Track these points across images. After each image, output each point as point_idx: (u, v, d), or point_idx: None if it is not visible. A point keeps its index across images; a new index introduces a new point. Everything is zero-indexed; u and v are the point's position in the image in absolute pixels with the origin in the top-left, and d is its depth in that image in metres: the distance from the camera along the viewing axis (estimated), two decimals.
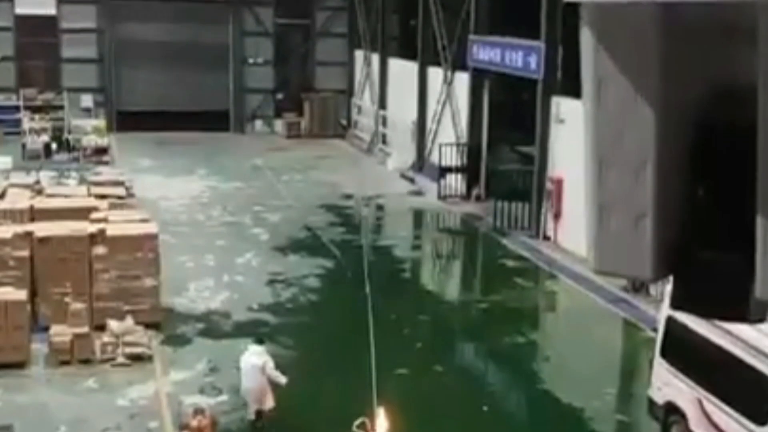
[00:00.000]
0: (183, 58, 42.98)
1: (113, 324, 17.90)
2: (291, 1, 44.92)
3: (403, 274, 25.68)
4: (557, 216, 26.24)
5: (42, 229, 19.35)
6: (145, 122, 41.75)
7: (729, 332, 13.34)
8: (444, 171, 32.08)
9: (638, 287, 21.29)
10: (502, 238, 27.39)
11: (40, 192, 25.28)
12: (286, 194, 31.92)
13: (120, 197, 25.73)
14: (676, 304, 2.38)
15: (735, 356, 13.32)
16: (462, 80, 32.49)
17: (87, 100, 42.46)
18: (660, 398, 15.01)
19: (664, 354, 14.95)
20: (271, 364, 15.10)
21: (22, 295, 17.85)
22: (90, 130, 38.69)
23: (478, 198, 31.51)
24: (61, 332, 17.53)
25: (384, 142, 40.30)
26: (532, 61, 27.23)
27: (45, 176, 29.53)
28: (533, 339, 20.77)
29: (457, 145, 32.27)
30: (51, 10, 42.02)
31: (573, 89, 22.77)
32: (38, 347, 17.71)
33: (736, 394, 13.55)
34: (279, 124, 44.56)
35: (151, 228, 20.23)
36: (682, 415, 14.42)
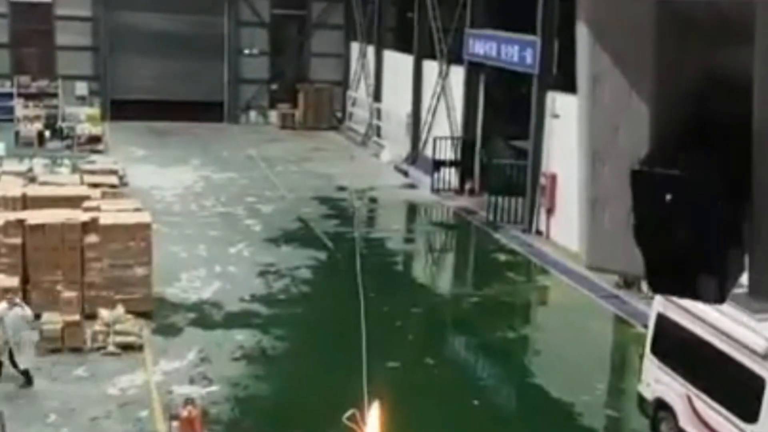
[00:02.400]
0: (178, 48, 42.87)
1: (104, 313, 17.88)
2: None
3: (396, 266, 25.69)
4: (550, 211, 26.26)
5: (34, 216, 19.31)
6: (140, 111, 41.65)
7: (719, 329, 13.37)
8: (438, 164, 32.08)
9: (630, 283, 21.34)
10: (494, 233, 27.40)
11: (33, 180, 25.30)
12: (280, 185, 31.89)
13: (113, 186, 25.74)
14: (655, 288, 2.37)
15: (724, 353, 13.35)
16: (457, 74, 32.47)
17: (81, 88, 42.32)
18: (650, 394, 15.05)
19: (654, 350, 14.99)
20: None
21: (13, 282, 17.83)
22: (84, 118, 38.63)
23: (471, 192, 31.51)
24: (52, 320, 17.52)
25: (378, 134, 40.29)
26: (528, 55, 27.22)
27: (38, 164, 29.52)
28: (524, 333, 20.81)
29: (452, 138, 32.25)
30: None
31: (568, 84, 22.77)
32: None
33: (725, 391, 13.59)
34: (273, 115, 44.51)
35: (144, 217, 20.21)
36: (672, 412, 14.46)
